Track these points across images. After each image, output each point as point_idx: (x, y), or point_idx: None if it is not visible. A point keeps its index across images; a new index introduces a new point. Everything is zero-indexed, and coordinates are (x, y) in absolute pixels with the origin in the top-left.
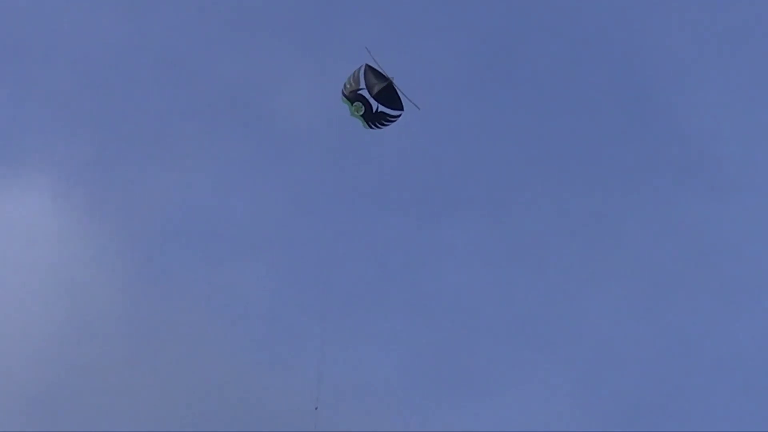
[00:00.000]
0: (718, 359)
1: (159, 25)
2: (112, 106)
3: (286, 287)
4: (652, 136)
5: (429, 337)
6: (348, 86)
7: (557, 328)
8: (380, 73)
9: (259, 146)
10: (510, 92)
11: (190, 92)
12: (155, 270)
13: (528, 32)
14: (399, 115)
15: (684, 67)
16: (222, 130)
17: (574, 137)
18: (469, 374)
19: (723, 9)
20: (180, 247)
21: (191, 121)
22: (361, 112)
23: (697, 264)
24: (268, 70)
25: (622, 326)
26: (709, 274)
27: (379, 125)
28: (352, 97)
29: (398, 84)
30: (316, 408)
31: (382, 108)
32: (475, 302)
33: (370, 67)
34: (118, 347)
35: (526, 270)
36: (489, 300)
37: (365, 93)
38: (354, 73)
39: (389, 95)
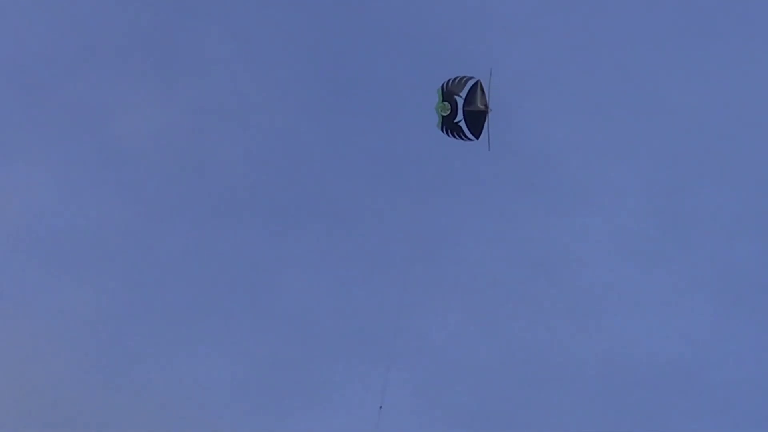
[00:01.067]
0: (556, 372)
1: None
2: None
3: (125, 298)
4: (493, 150)
5: (270, 346)
6: (451, 85)
7: (398, 340)
8: (484, 97)
9: (101, 154)
10: (357, 102)
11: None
12: None
13: (376, 45)
14: (469, 139)
15: (525, 78)
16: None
17: (414, 149)
18: (308, 384)
19: (562, 17)
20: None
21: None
22: (445, 113)
23: (538, 277)
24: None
25: (462, 338)
26: (549, 288)
27: (449, 134)
28: (447, 97)
29: (493, 113)
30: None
31: (462, 123)
32: (317, 312)
33: (481, 85)
34: None
35: (369, 282)
36: (331, 311)
37: (460, 101)
38: (463, 79)
39: (477, 120)
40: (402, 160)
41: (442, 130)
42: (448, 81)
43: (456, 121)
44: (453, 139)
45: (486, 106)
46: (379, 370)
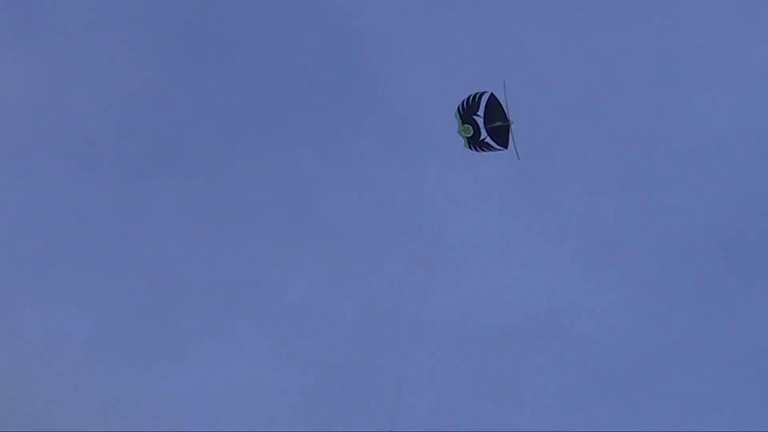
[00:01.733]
0: (417, 325)
1: None
2: None
3: None
4: (351, 100)
5: (128, 298)
6: (467, 106)
7: (258, 293)
8: (503, 111)
9: None
10: (209, 57)
11: None
12: None
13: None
14: (501, 150)
15: (390, 31)
16: None
17: (273, 99)
18: (166, 336)
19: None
20: None
21: None
22: (468, 135)
23: (399, 229)
24: None
25: (321, 290)
26: (407, 242)
27: (479, 150)
28: (466, 118)
29: (516, 126)
30: None
31: (488, 139)
32: (176, 265)
33: (496, 99)
34: None
35: (228, 234)
36: (191, 263)
37: (479, 120)
38: (476, 96)
39: (502, 134)
40: (261, 110)
41: (470, 149)
42: (463, 102)
43: (482, 139)
44: (484, 152)
45: (506, 119)
46: (238, 324)
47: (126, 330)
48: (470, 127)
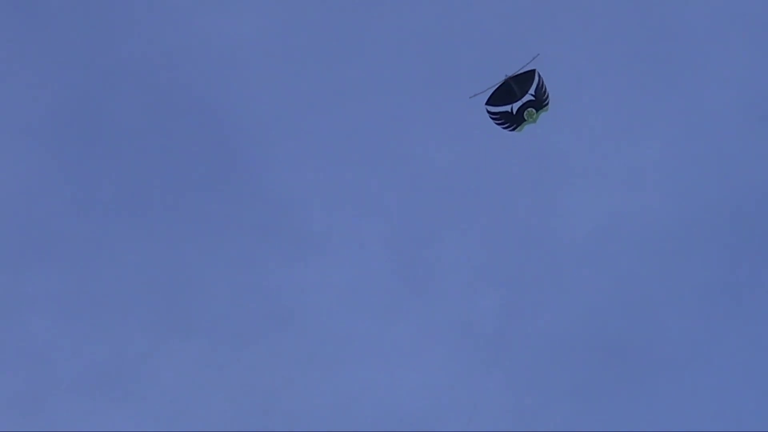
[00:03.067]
0: (291, 418)
1: None
2: None
3: None
4: (233, 190)
5: (3, 386)
6: (506, 123)
7: (132, 384)
8: (496, 90)
9: None
10: (87, 144)
11: None
12: None
13: (107, 82)
14: (539, 76)
15: (271, 124)
16: None
17: (154, 187)
18: (44, 421)
19: (313, 67)
20: None
21: None
22: (535, 113)
23: (274, 324)
24: None
25: (196, 384)
26: (285, 335)
27: (546, 98)
28: (518, 120)
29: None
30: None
31: (531, 90)
32: (51, 353)
33: (489, 102)
34: None
35: (104, 323)
36: (66, 351)
37: (518, 104)
38: (493, 116)
39: (523, 82)
40: (140, 199)
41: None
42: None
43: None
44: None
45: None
46: (109, 412)
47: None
48: (531, 110)
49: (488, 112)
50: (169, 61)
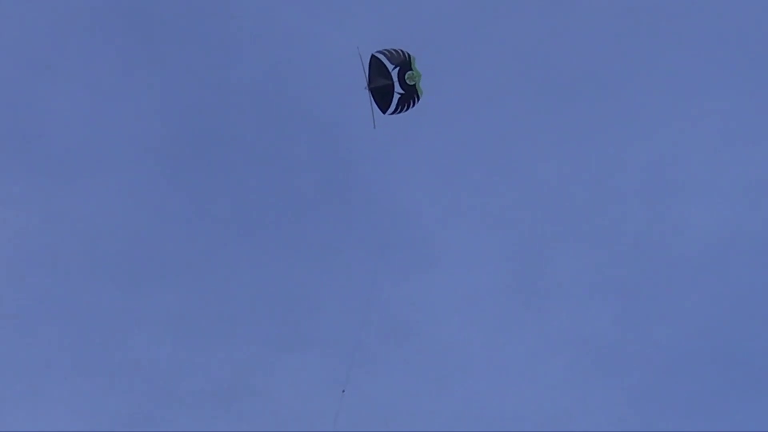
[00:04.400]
0: (412, 429)
1: None
2: None
3: None
4: (349, 208)
5: (120, 404)
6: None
7: (249, 397)
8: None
9: None
10: (203, 167)
11: None
12: None
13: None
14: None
15: (386, 140)
16: None
17: (269, 206)
18: None
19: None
20: None
21: None
22: (415, 76)
23: (392, 339)
24: None
25: (316, 401)
26: (404, 349)
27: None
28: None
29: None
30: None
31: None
32: (168, 372)
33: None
34: None
35: (220, 339)
36: (182, 369)
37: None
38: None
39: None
40: (255, 219)
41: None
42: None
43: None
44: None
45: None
46: (232, 428)
47: None
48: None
49: (393, 112)
50: (285, 77)
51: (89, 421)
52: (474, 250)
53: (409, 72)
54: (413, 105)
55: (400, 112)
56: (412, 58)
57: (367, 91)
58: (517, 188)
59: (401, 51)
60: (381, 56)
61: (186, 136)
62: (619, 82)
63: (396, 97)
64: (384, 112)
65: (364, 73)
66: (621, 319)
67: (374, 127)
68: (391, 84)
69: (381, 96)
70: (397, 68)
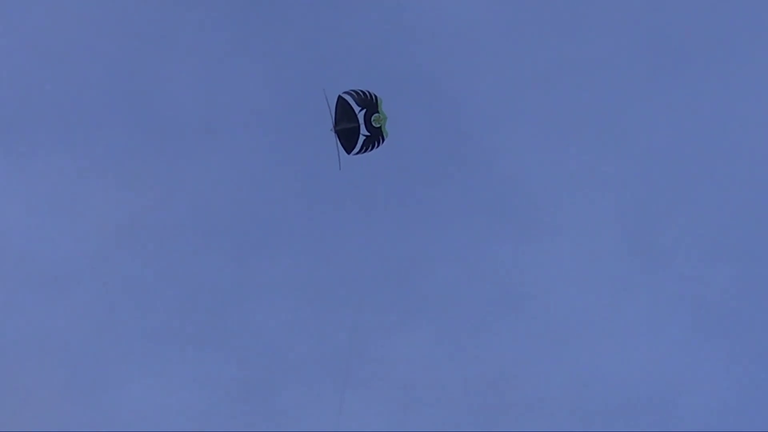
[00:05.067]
0: (525, 401)
1: None
2: None
3: (88, 321)
4: (463, 175)
5: (240, 373)
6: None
7: (367, 368)
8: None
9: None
10: (315, 128)
11: None
12: None
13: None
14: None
15: (499, 105)
16: None
17: (384, 173)
18: (279, 413)
19: (532, 38)
20: None
21: None
22: (381, 118)
23: (506, 305)
24: None
25: (431, 366)
26: (517, 316)
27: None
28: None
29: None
30: None
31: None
32: (284, 338)
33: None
34: None
35: (338, 308)
36: (301, 337)
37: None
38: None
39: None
40: (372, 184)
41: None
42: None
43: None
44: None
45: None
46: (348, 396)
47: (235, 403)
48: (377, 115)
49: (358, 153)
50: (397, 44)
51: (206, 390)
52: (588, 215)
53: (376, 114)
54: (377, 146)
55: (364, 152)
56: (379, 101)
57: (332, 132)
58: (630, 149)
59: (368, 93)
60: (348, 97)
61: (296, 103)
62: (733, 41)
63: (361, 138)
64: (348, 153)
65: (331, 114)
66: (740, 281)
67: (339, 169)
68: (357, 126)
69: (346, 137)
70: (364, 110)
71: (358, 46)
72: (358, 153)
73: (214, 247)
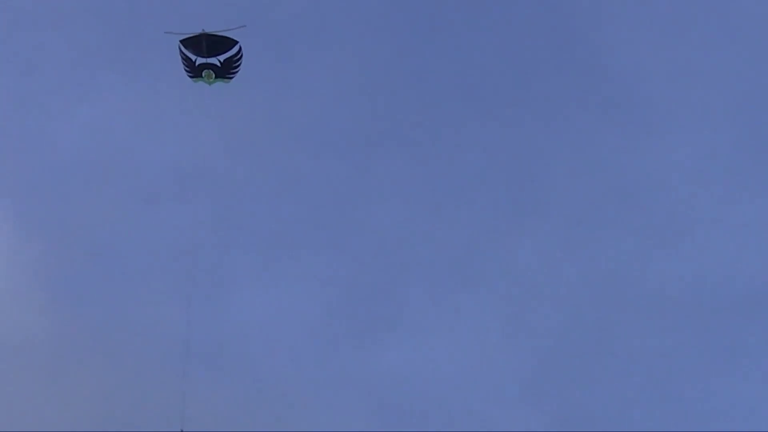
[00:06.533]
0: (642, 296)
1: None
2: None
3: (209, 228)
4: (575, 73)
5: (357, 276)
6: (187, 68)
7: (484, 267)
8: (192, 37)
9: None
10: (430, 30)
11: None
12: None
13: None
14: (239, 49)
15: (607, 2)
16: None
17: (496, 74)
18: (397, 314)
19: None
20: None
21: None
22: (214, 77)
23: (621, 201)
24: None
25: (548, 263)
26: (632, 212)
27: (234, 71)
28: (196, 72)
29: (208, 29)
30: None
31: (222, 57)
32: (403, 241)
33: (182, 41)
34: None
35: (453, 209)
36: (417, 239)
37: (201, 60)
38: (181, 57)
39: (216, 43)
40: (482, 86)
41: (231, 78)
42: (185, 71)
43: (221, 63)
44: (239, 66)
45: (198, 36)
46: (463, 297)
47: (354, 306)
48: (208, 71)
49: (179, 50)
50: None
51: (324, 291)
52: (700, 110)
53: (210, 72)
54: (185, 69)
55: (181, 55)
56: (228, 78)
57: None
58: (743, 47)
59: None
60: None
61: (414, 12)
62: None
63: (194, 57)
64: (180, 40)
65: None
66: None
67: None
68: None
69: (197, 44)
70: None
71: None
72: (181, 55)
73: (331, 151)
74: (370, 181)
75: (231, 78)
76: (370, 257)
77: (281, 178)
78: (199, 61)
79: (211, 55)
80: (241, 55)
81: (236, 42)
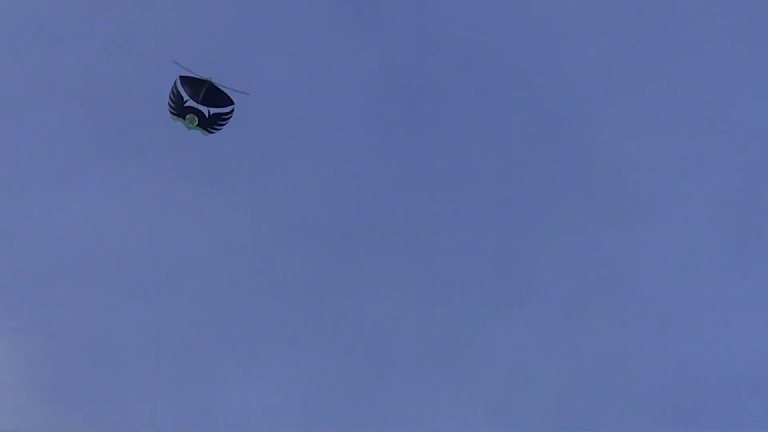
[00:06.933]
0: (629, 387)
1: None
2: None
3: (192, 318)
4: (563, 165)
5: (341, 368)
6: (172, 104)
7: (470, 358)
8: (196, 78)
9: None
10: (415, 118)
11: None
12: None
13: (438, 59)
14: (232, 110)
15: (599, 93)
16: None
17: (485, 165)
18: (377, 405)
19: (638, 35)
20: None
21: None
22: (196, 123)
23: (608, 293)
24: None
25: (534, 354)
26: (619, 304)
27: (217, 127)
28: (181, 111)
29: (215, 80)
30: None
31: (213, 110)
32: (387, 332)
33: (184, 77)
34: None
35: (439, 300)
36: (401, 330)
37: (192, 103)
38: (172, 90)
39: (215, 95)
40: (469, 177)
41: (211, 133)
42: (168, 105)
43: (209, 115)
44: (224, 125)
45: (203, 80)
46: (450, 389)
47: (338, 398)
48: (193, 116)
49: (175, 84)
50: (494, 31)
51: (308, 386)
52: (686, 200)
53: (194, 117)
54: (169, 105)
55: (172, 90)
56: (209, 132)
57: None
58: (732, 139)
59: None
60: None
61: (399, 94)
62: None
63: (187, 97)
64: (181, 75)
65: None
66: None
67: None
68: (200, 103)
69: (197, 87)
70: (205, 115)
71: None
72: (173, 89)
73: (317, 240)
74: (353, 271)
75: (211, 133)
76: (355, 348)
77: (266, 270)
78: (189, 103)
79: (204, 103)
80: (231, 117)
81: (232, 102)
